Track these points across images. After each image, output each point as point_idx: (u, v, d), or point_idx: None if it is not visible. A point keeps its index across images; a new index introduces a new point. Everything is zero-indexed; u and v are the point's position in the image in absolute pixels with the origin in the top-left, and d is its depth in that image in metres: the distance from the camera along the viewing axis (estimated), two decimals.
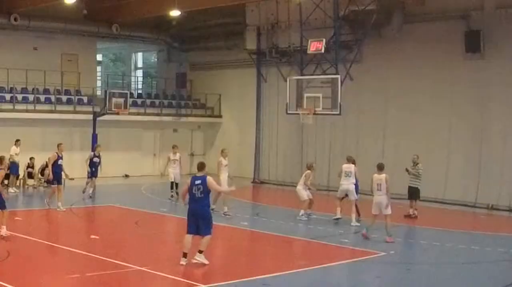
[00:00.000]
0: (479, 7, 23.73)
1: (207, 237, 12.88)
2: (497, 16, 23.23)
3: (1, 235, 14.89)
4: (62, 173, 20.20)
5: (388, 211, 16.37)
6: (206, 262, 12.86)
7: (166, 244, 16.00)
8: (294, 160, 29.16)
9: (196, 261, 12.78)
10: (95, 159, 23.04)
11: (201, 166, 13.17)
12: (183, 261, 12.81)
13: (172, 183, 22.79)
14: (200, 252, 12.87)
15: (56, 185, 20.00)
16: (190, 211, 12.99)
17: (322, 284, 12.62)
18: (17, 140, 24.32)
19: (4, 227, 14.97)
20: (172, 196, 22.69)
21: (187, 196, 13.05)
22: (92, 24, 31.02)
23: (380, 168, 16.59)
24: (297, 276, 12.79)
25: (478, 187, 23.63)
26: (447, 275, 13.30)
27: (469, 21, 23.87)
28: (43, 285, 11.72)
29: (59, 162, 20.04)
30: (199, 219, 12.87)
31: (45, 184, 25.38)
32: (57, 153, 20.16)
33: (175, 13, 26.98)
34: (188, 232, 12.91)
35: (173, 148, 23.28)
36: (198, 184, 12.81)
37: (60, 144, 20.56)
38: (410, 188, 20.64)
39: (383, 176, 16.40)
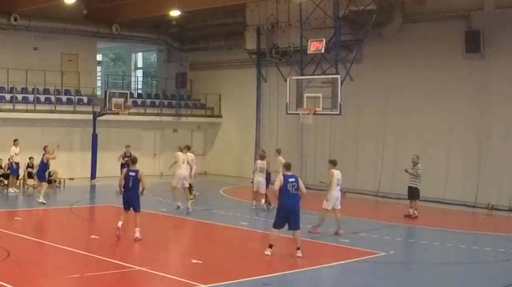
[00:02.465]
0: (479, 7, 23.72)
1: (299, 232, 14.04)
2: (497, 16, 23.22)
3: (136, 237, 15.23)
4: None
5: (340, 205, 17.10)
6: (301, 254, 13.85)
7: (166, 244, 15.99)
8: (294, 160, 29.04)
9: (298, 256, 13.80)
10: (126, 159, 23.19)
11: (290, 166, 14.40)
12: (268, 252, 13.88)
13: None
14: (298, 248, 13.87)
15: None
16: (284, 206, 13.85)
17: (322, 284, 12.63)
18: (15, 140, 24.31)
19: (138, 229, 15.30)
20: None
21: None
22: (92, 24, 31.02)
23: (336, 163, 17.21)
24: (297, 276, 12.80)
25: (478, 187, 23.62)
26: (447, 275, 13.30)
27: (469, 21, 23.87)
28: (43, 285, 11.72)
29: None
30: (292, 214, 13.86)
31: (46, 184, 25.46)
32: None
33: (175, 13, 26.99)
34: (278, 227, 13.98)
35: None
36: (292, 181, 13.87)
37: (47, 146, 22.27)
38: (410, 188, 20.63)
39: (339, 171, 16.99)
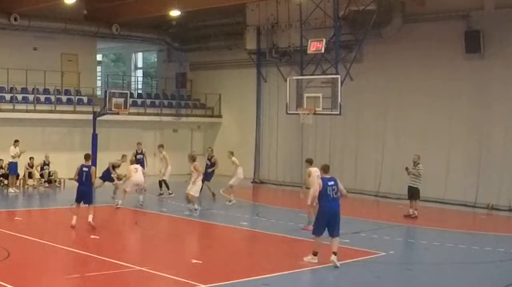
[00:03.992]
0: (479, 7, 23.74)
1: (338, 238, 13.43)
2: (497, 16, 23.23)
3: (89, 222, 16.51)
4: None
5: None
6: (338, 264, 13.17)
7: (166, 244, 15.99)
8: (294, 160, 29.15)
9: (333, 263, 13.11)
10: (139, 156, 23.19)
11: (328, 168, 13.79)
12: (314, 260, 13.37)
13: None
14: (335, 253, 13.21)
15: None
16: (326, 211, 13.35)
17: (322, 284, 12.62)
18: (16, 141, 24.29)
19: (91, 215, 16.63)
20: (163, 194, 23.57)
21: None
22: (92, 24, 31.01)
23: (312, 161, 17.46)
24: (297, 276, 12.80)
25: (478, 187, 23.63)
26: (447, 275, 13.30)
27: (469, 21, 23.88)
28: (43, 285, 11.73)
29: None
30: (333, 219, 13.36)
31: (46, 184, 25.54)
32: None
33: (175, 13, 26.99)
34: (319, 234, 13.44)
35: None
36: (332, 185, 13.33)
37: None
38: (410, 188, 20.62)
39: (316, 168, 16.84)
